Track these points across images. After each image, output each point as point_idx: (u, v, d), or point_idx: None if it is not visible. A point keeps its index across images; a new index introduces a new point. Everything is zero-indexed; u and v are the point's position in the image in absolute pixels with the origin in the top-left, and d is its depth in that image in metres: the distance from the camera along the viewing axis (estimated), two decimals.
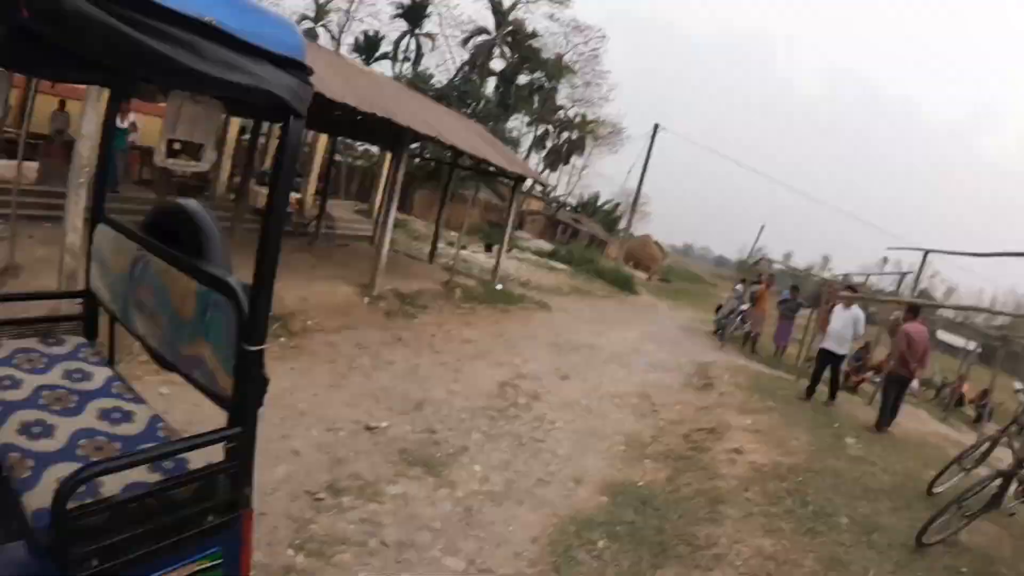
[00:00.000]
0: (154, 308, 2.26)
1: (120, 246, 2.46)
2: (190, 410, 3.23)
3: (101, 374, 2.39)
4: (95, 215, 2.60)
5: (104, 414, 2.17)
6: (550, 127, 43.68)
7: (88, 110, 5.91)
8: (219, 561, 1.89)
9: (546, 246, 30.33)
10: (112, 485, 1.79)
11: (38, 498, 1.71)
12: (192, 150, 1.90)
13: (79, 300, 2.71)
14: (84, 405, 2.19)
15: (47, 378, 2.28)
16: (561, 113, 43.81)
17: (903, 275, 14.36)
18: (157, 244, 2.29)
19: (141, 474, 1.86)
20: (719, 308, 17.66)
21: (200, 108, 1.73)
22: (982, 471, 6.15)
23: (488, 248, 21.75)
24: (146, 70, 1.57)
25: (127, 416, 2.18)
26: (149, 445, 2.07)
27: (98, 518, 1.67)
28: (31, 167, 10.28)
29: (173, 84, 1.79)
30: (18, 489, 1.78)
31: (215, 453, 1.96)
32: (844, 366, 10.67)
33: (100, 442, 2.03)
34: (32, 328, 2.56)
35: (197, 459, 1.96)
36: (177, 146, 1.88)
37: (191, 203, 2.28)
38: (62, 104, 12.21)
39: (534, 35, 38.35)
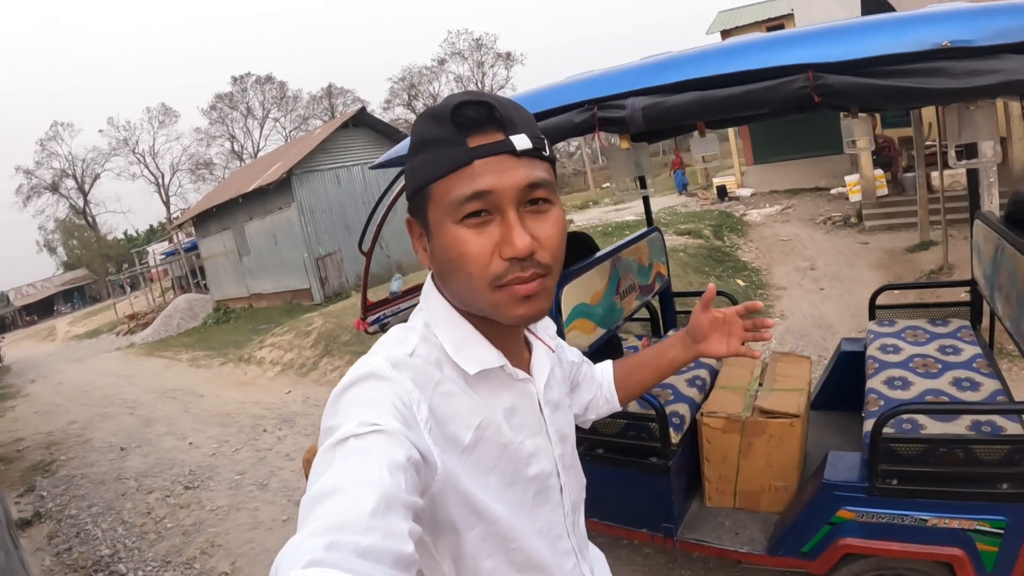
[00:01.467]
0: (1008, 290, 2.44)
1: (988, 236, 2.72)
2: None
3: (970, 351, 2.71)
4: (972, 210, 2.94)
5: (956, 382, 2.50)
6: None
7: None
8: (1002, 531, 1.96)
9: None
10: (932, 429, 2.18)
11: (869, 424, 2.27)
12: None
13: (966, 288, 3.06)
14: (943, 372, 2.58)
15: (922, 349, 2.80)
16: None
17: None
18: (1008, 231, 2.47)
19: (958, 428, 2.17)
20: None
21: (976, 112, 1.94)
22: None
23: None
24: (898, 105, 1.94)
25: (974, 386, 2.45)
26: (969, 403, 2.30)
27: (908, 448, 2.09)
28: (959, 173, 10.03)
29: (928, 104, 2.07)
30: (865, 417, 2.39)
31: None
32: None
33: (942, 400, 2.40)
34: (928, 311, 3.12)
35: (1014, 429, 2.10)
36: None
37: None
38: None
39: None
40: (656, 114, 1.92)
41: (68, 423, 10.07)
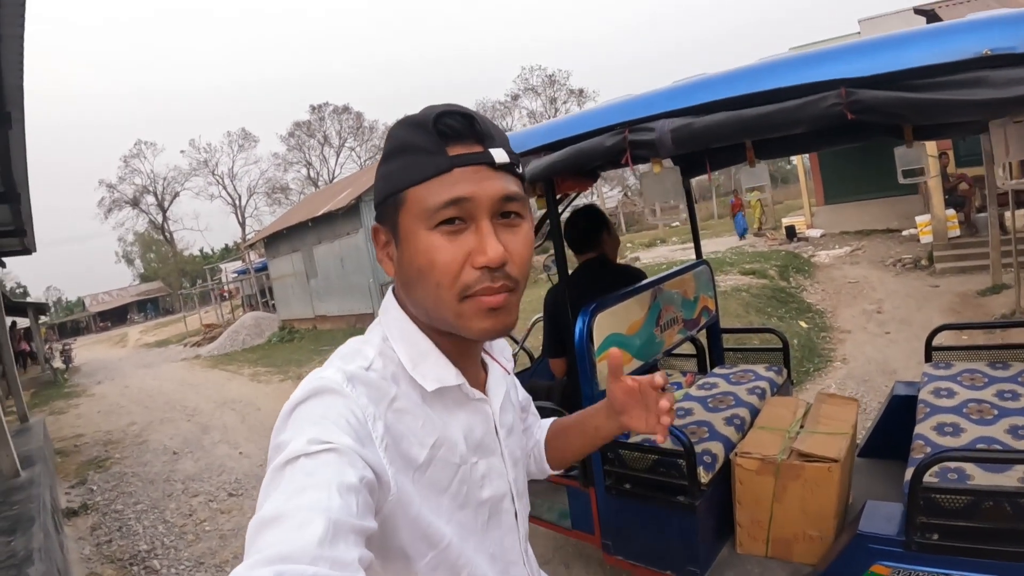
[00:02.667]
0: None
1: None
2: None
3: None
4: None
5: (1012, 429, 2.31)
6: None
7: None
8: None
9: None
10: (980, 480, 2.01)
11: (911, 471, 2.10)
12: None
13: None
14: (999, 419, 2.40)
15: (978, 393, 2.61)
16: None
17: None
18: None
19: (1009, 480, 1.98)
20: None
21: (1022, 126, 1.82)
22: None
23: None
24: (936, 119, 1.84)
25: None
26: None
27: (951, 500, 1.92)
28: None
29: (968, 117, 1.95)
30: (908, 465, 2.24)
31: None
32: None
33: (995, 449, 2.22)
34: (988, 353, 2.95)
35: None
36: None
37: None
38: None
39: None
40: (685, 135, 1.87)
41: (128, 424, 10.50)
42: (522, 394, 1.24)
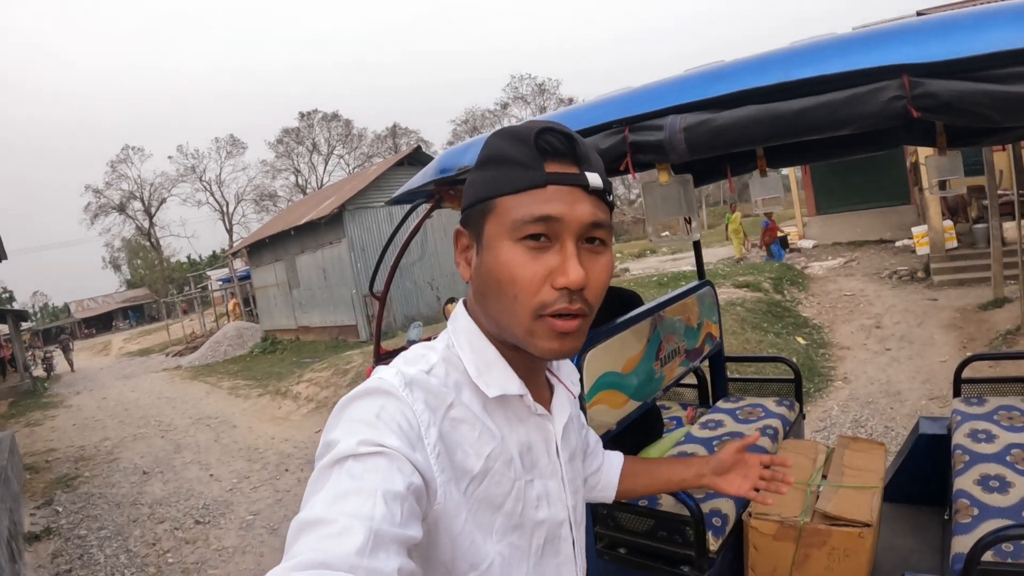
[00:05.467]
0: None
1: None
2: None
3: None
4: None
5: None
6: None
7: None
8: None
9: None
10: None
11: (963, 543, 1.78)
12: None
13: None
14: None
15: (1021, 436, 2.25)
16: None
17: None
18: None
19: None
20: None
21: None
22: None
23: None
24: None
25: None
26: None
27: None
28: None
29: None
30: (954, 531, 1.90)
31: None
32: None
33: None
34: (1020, 386, 2.55)
35: None
36: None
37: None
38: None
39: None
40: (703, 135, 1.48)
41: (101, 439, 10.28)
42: (583, 418, 1.23)
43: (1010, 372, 2.69)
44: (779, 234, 16.56)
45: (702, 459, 1.32)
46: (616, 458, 1.34)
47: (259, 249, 23.12)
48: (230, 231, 50.92)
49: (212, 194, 51.03)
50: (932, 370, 7.26)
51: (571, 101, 44.87)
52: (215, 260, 50.14)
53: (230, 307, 28.12)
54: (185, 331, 27.36)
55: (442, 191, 2.56)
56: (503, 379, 0.86)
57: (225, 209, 51.16)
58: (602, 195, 0.84)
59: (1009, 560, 1.65)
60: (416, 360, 0.85)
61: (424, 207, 2.82)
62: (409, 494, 0.67)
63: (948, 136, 2.07)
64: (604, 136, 1.74)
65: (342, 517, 0.60)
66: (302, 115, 49.79)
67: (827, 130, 1.36)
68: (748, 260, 17.23)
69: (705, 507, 2.14)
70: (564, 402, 0.98)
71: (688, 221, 2.67)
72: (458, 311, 0.92)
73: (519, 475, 0.86)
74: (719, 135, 1.48)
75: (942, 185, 2.41)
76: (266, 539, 5.34)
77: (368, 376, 2.86)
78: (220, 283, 31.21)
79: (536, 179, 0.79)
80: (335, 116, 50.19)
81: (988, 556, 1.63)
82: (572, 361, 1.16)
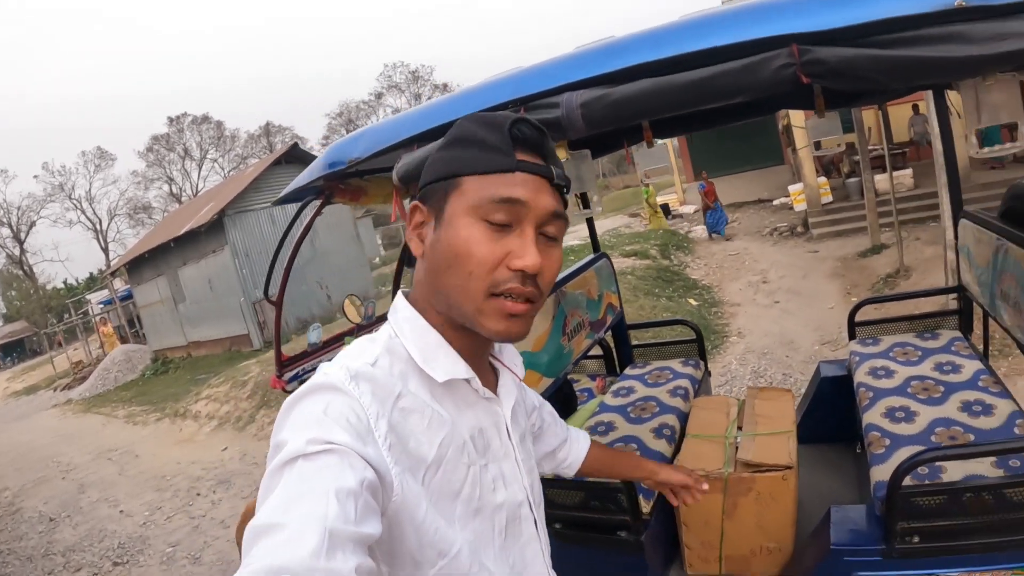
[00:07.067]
0: (1018, 297, 2.13)
1: (981, 237, 2.41)
2: None
3: (970, 367, 2.38)
4: (955, 209, 2.62)
5: (966, 406, 2.16)
6: None
7: (931, 110, 6.03)
8: None
9: None
10: (953, 472, 1.83)
11: (882, 472, 1.92)
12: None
13: (954, 295, 2.76)
14: (947, 396, 2.24)
15: (917, 369, 2.46)
16: None
17: None
18: (1012, 231, 2.17)
19: (984, 467, 1.82)
20: None
21: (994, 87, 1.60)
22: None
23: None
24: (906, 81, 1.57)
25: (987, 409, 2.12)
26: (999, 440, 1.95)
27: (930, 500, 1.72)
28: (904, 175, 10.80)
29: (953, 78, 1.72)
30: (870, 462, 2.04)
31: None
32: None
33: (955, 431, 2.06)
34: (911, 324, 2.79)
35: None
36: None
37: None
38: (915, 108, 11.88)
39: None
40: (600, 111, 1.50)
41: (0, 490, 9.47)
42: (534, 396, 1.29)
43: (898, 311, 2.92)
44: (714, 200, 14.75)
45: (654, 466, 1.42)
46: (584, 439, 1.39)
47: (139, 265, 21.85)
48: (106, 250, 47.92)
49: (84, 212, 47.87)
50: (821, 318, 7.73)
51: (446, 87, 44.58)
52: (93, 282, 46.99)
53: (105, 333, 26.30)
54: (71, 362, 25.46)
55: (332, 186, 2.48)
56: (449, 364, 0.86)
57: (99, 227, 48.08)
58: (561, 191, 0.88)
59: (926, 481, 1.79)
60: (359, 354, 0.85)
61: (315, 204, 2.73)
62: (363, 490, 0.67)
63: (825, 99, 2.20)
64: None
65: (295, 520, 0.60)
66: (171, 120, 47.32)
67: (723, 98, 1.41)
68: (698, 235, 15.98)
69: None
70: (510, 385, 0.99)
71: (583, 196, 2.73)
72: (398, 302, 0.93)
73: (473, 460, 0.87)
74: (617, 109, 1.50)
75: (818, 145, 2.55)
76: (191, 569, 5.12)
77: (273, 386, 2.72)
78: (101, 306, 29.32)
79: (507, 163, 0.82)
80: (206, 118, 47.95)
81: (907, 481, 1.74)
82: None
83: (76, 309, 32.28)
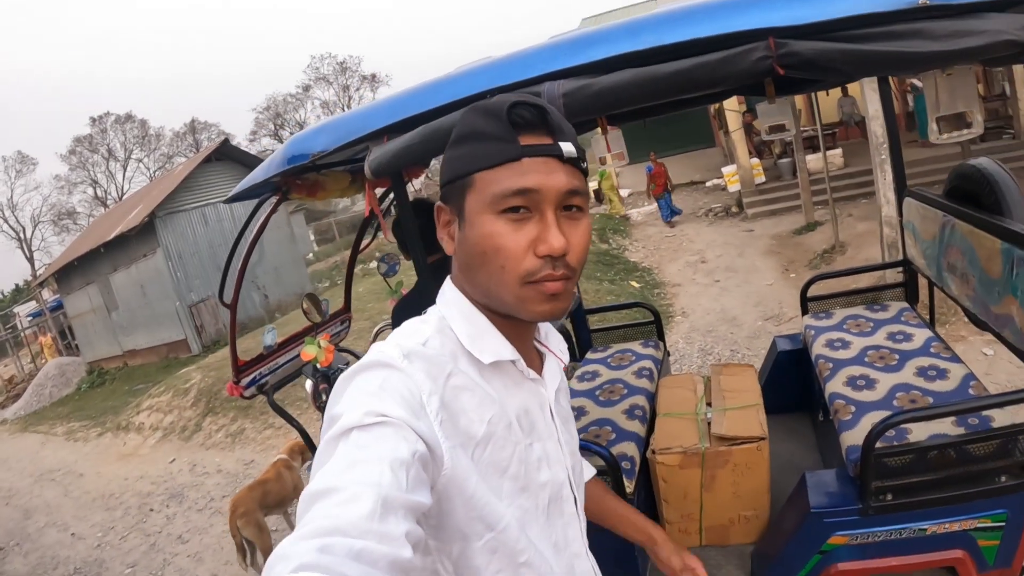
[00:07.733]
0: (964, 269, 2.28)
1: (926, 214, 2.56)
2: (1014, 371, 2.94)
3: (921, 335, 2.52)
4: (899, 188, 2.77)
5: (921, 371, 2.29)
6: None
7: (868, 92, 6.43)
8: (1003, 524, 1.81)
9: None
10: (918, 433, 1.96)
11: (853, 437, 2.03)
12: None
13: (899, 269, 2.92)
14: (903, 363, 2.37)
15: (871, 339, 2.59)
16: None
17: None
18: (958, 207, 2.31)
19: (946, 426, 1.95)
20: None
21: (953, 79, 1.73)
22: None
23: None
24: (873, 73, 1.65)
25: (942, 373, 2.25)
26: (958, 400, 2.09)
27: (899, 460, 1.85)
28: (835, 155, 11.54)
29: (916, 70, 1.84)
30: (839, 429, 2.15)
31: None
32: None
33: (915, 395, 2.19)
34: (861, 297, 2.95)
35: (1002, 418, 1.93)
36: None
37: (983, 162, 2.27)
38: (844, 90, 12.49)
39: None
40: (582, 100, 1.53)
41: None
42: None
43: (842, 287, 3.09)
44: (665, 183, 14.13)
45: (656, 534, 1.33)
46: (588, 470, 1.33)
47: (68, 274, 20.90)
48: (31, 259, 45.49)
49: (5, 220, 45.33)
50: (761, 294, 7.98)
51: (374, 77, 43.72)
52: (20, 294, 44.73)
53: (44, 343, 25.16)
54: (2, 379, 24.17)
55: (289, 182, 2.44)
56: (496, 345, 0.89)
57: (22, 235, 45.56)
58: (576, 163, 0.86)
59: (895, 443, 1.91)
60: (412, 334, 0.87)
61: (271, 202, 2.68)
62: (415, 461, 0.69)
63: (776, 86, 2.29)
64: None
65: (351, 485, 0.62)
66: (93, 120, 44.87)
67: (702, 89, 1.48)
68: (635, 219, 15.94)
69: (614, 452, 2.26)
70: (555, 369, 1.01)
71: None
72: (446, 287, 0.95)
73: (519, 439, 0.89)
74: (599, 98, 1.54)
75: (773, 129, 2.66)
76: None
77: (231, 393, 2.64)
78: (30, 319, 28.03)
79: (511, 152, 0.82)
80: (129, 117, 45.74)
81: (880, 444, 1.86)
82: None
83: (4, 323, 30.80)
